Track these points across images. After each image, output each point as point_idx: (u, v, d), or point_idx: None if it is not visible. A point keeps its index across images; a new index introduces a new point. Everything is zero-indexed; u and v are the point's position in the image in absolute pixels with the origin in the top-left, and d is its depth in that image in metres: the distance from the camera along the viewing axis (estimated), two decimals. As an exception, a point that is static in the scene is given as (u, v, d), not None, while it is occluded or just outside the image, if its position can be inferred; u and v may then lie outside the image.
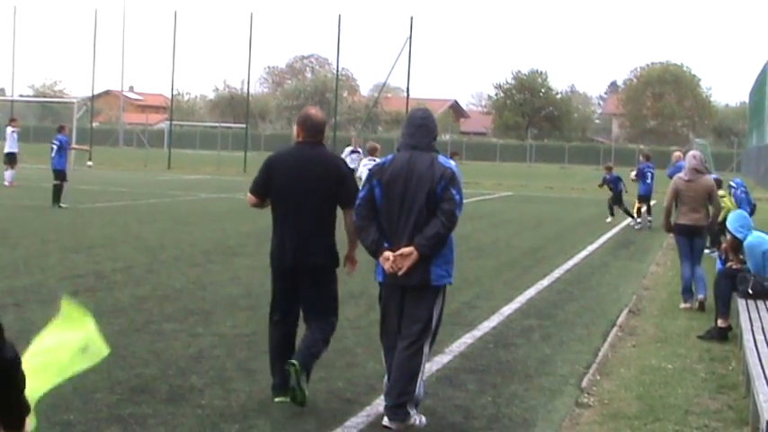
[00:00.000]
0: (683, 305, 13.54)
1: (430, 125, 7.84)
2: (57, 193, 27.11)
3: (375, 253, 7.58)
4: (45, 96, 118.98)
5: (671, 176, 23.90)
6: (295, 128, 8.36)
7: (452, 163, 7.67)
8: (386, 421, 7.49)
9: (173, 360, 9.33)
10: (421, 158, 7.59)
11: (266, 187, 8.13)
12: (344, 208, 8.04)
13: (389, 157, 7.81)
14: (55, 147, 28.53)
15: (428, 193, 7.47)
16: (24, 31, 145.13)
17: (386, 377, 7.72)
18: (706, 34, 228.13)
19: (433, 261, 7.50)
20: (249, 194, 8.31)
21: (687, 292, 13.60)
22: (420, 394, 7.63)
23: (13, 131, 36.23)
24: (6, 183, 34.78)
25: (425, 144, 7.71)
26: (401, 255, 7.41)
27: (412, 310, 7.58)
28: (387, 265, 7.46)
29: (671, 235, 15.39)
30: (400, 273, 7.43)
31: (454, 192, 7.49)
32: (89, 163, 55.25)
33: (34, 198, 29.59)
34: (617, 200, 29.56)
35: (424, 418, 7.59)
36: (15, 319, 10.90)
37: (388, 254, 7.46)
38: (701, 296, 13.47)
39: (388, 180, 7.55)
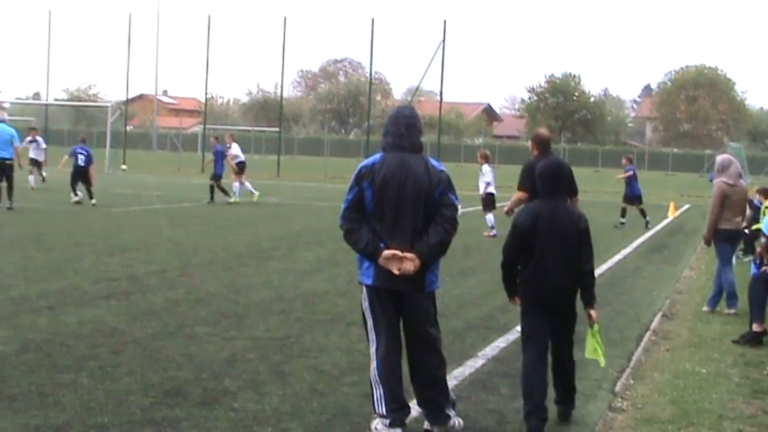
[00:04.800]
0: (728, 311, 13.44)
1: (419, 125, 7.51)
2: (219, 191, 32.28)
3: (373, 254, 7.14)
4: (79, 100, 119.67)
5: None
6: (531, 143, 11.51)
7: (444, 166, 7.52)
8: (427, 425, 7.42)
9: (206, 363, 9.36)
10: (414, 161, 7.29)
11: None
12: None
13: (377, 157, 7.35)
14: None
15: (425, 198, 7.22)
16: (59, 35, 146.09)
17: (381, 390, 7.25)
18: (741, 38, 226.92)
19: (430, 267, 7.31)
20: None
21: (733, 298, 13.50)
22: (453, 395, 7.62)
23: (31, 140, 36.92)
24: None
25: (416, 145, 7.40)
26: (406, 258, 7.09)
27: (419, 313, 7.33)
28: (394, 266, 7.10)
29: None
30: (399, 272, 7.09)
31: (453, 197, 7.29)
32: (123, 167, 55.60)
33: (68, 202, 29.75)
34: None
35: (461, 420, 7.54)
36: (49, 322, 10.98)
37: (391, 252, 7.09)
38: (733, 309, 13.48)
39: (381, 183, 7.18)
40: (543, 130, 11.97)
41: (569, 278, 7.81)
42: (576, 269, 7.82)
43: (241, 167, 34.09)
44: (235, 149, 34.39)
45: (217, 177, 32.86)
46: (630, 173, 29.40)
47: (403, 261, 7.10)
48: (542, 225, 7.77)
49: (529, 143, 11.73)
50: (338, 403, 8.17)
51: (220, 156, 33.16)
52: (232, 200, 32.89)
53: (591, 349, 8.06)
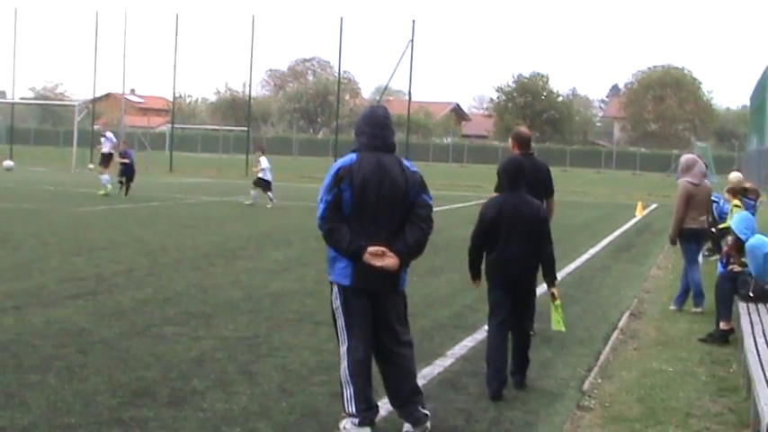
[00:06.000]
0: (695, 309, 13.52)
1: (392, 125, 7.52)
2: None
3: (356, 252, 7.10)
4: (46, 99, 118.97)
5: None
6: (510, 141, 11.45)
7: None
8: (408, 428, 7.34)
9: (174, 363, 9.32)
10: (389, 162, 7.31)
11: None
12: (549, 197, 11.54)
13: (353, 157, 7.29)
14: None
15: (402, 199, 7.25)
16: (25, 33, 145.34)
17: (351, 390, 7.23)
18: (707, 38, 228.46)
19: (407, 266, 7.37)
20: None
21: (700, 296, 13.59)
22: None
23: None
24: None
25: (390, 145, 7.42)
26: (387, 254, 7.12)
27: (392, 311, 7.37)
28: (377, 261, 7.09)
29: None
30: (381, 266, 7.10)
31: (427, 197, 7.35)
32: (90, 165, 55.27)
33: (34, 201, 29.57)
34: None
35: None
36: (15, 322, 10.91)
37: (376, 248, 7.09)
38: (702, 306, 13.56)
39: (360, 183, 7.16)
40: (524, 129, 11.88)
41: (530, 261, 8.95)
42: (536, 253, 8.95)
43: (107, 159, 35.44)
44: (106, 140, 36.12)
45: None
46: None
47: (385, 257, 7.12)
48: (506, 215, 8.86)
49: (509, 142, 11.58)
50: (307, 403, 8.15)
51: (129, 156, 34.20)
52: (102, 192, 33.81)
53: (555, 322, 9.25)
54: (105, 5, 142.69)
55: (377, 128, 7.40)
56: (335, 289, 7.38)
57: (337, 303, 7.37)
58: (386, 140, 7.40)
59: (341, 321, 7.35)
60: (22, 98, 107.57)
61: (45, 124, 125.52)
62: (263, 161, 32.62)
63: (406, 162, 7.46)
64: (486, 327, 9.38)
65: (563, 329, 9.44)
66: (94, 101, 72.51)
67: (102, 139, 36.42)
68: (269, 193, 32.15)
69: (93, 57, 65.60)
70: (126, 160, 33.78)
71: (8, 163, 34.47)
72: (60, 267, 15.41)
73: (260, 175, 32.39)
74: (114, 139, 35.95)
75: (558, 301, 9.18)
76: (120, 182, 33.54)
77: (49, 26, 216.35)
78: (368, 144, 7.36)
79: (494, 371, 8.67)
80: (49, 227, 22.23)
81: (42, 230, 21.21)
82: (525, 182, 9.14)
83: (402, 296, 7.49)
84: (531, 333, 9.97)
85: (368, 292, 7.27)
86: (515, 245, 8.83)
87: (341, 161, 7.37)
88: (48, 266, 15.45)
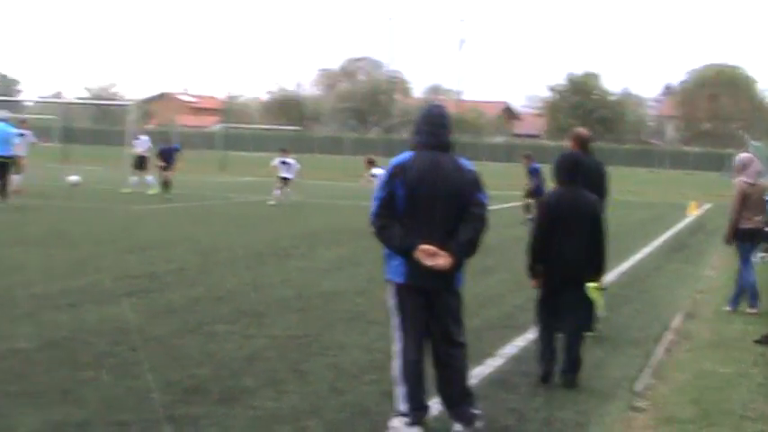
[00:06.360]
0: (750, 310, 13.38)
1: (448, 123, 7.50)
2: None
3: (409, 249, 7.08)
4: (101, 99, 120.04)
5: None
6: (570, 141, 11.59)
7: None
8: (459, 428, 7.32)
9: (225, 361, 9.37)
10: (445, 160, 7.29)
11: None
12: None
13: (408, 155, 7.32)
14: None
15: (456, 197, 7.21)
16: (80, 33, 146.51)
17: (403, 389, 7.27)
18: (762, 36, 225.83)
19: (461, 265, 7.32)
20: None
21: (755, 297, 13.45)
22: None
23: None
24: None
25: (446, 144, 7.40)
26: (439, 254, 7.07)
27: (447, 311, 7.32)
28: (429, 261, 7.05)
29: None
30: (431, 265, 7.06)
31: (482, 196, 7.30)
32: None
33: (89, 200, 29.85)
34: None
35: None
36: (70, 319, 11.01)
37: (427, 247, 7.05)
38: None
39: (414, 181, 7.17)
40: (584, 130, 11.95)
41: (584, 257, 8.95)
42: (591, 248, 8.99)
43: (141, 161, 36.18)
44: (139, 143, 36.81)
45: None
46: (536, 172, 28.43)
47: (436, 256, 7.09)
48: (563, 208, 8.98)
49: (569, 142, 11.57)
50: (357, 401, 8.16)
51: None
52: (151, 191, 34.32)
53: (599, 304, 9.53)
54: (162, 6, 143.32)
55: (433, 126, 7.40)
56: (391, 287, 7.40)
57: (393, 302, 7.38)
58: (442, 139, 7.38)
59: (395, 320, 7.37)
60: (78, 98, 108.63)
61: (102, 124, 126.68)
62: (294, 161, 33.95)
63: (462, 161, 7.42)
64: (535, 325, 9.39)
65: (604, 313, 9.66)
66: (148, 101, 73.12)
67: (136, 142, 36.65)
68: (280, 190, 32.69)
69: (148, 57, 66.08)
70: (162, 163, 33.80)
71: (74, 178, 34.13)
72: (114, 265, 15.54)
73: (282, 174, 32.93)
74: (149, 143, 36.35)
75: (600, 288, 9.30)
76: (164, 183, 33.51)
77: (105, 27, 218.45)
78: (424, 142, 7.36)
79: (544, 346, 9.09)
80: (104, 225, 22.45)
81: (97, 229, 21.42)
82: (581, 177, 9.19)
83: (457, 296, 7.44)
84: (593, 333, 10.04)
85: (422, 290, 7.26)
86: (572, 239, 8.92)
87: (396, 159, 7.39)
88: (102, 264, 15.59)
